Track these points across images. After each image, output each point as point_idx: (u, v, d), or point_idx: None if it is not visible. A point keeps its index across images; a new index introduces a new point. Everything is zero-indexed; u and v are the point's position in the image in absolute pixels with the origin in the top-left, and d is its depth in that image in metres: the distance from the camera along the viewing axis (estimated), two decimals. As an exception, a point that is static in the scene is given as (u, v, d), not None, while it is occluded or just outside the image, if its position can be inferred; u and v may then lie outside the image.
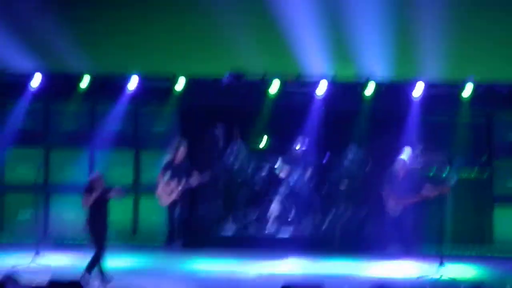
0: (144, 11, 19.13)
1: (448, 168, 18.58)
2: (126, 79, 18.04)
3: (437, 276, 16.01)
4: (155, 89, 18.37)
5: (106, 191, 13.61)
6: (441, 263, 16.37)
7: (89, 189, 13.59)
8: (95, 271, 13.60)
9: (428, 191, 17.33)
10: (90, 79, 18.18)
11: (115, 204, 14.15)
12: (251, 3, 19.20)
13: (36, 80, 18.01)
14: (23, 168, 18.64)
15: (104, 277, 13.44)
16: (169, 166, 16.97)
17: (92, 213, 13.50)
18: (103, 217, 13.63)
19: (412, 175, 17.89)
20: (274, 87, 18.42)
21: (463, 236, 18.74)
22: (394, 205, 17.63)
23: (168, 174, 16.91)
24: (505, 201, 19.07)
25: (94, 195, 13.50)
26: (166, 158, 17.23)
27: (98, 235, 13.56)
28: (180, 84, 18.12)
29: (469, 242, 18.77)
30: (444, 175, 18.58)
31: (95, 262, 13.54)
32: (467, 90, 18.19)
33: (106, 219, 13.66)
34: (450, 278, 15.56)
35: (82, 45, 18.67)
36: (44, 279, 12.04)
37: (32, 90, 18.19)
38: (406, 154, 17.82)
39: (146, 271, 15.79)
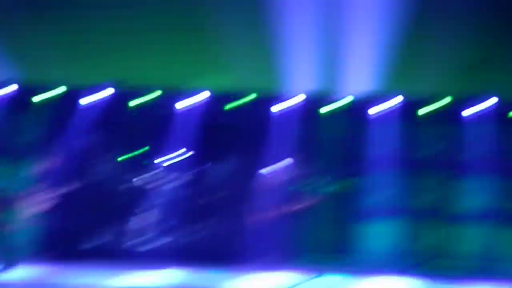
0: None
1: (317, 179, 18.78)
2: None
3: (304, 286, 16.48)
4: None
5: None
6: (312, 274, 16.85)
7: None
8: None
9: (297, 204, 17.82)
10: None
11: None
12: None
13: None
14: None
15: None
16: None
17: None
18: None
19: (281, 186, 18.11)
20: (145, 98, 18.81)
21: (332, 249, 19.00)
22: (267, 215, 17.89)
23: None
24: (374, 214, 19.39)
25: None
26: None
27: None
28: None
29: (336, 255, 19.03)
30: (312, 186, 18.82)
31: None
32: (330, 106, 18.79)
33: None
34: None
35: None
36: None
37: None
38: (274, 167, 18.17)
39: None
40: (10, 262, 16.24)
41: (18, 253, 16.58)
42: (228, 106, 19.15)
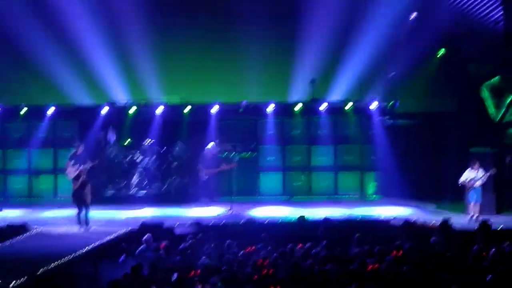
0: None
1: (233, 152, 24.80)
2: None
3: (226, 212, 22.73)
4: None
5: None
6: (230, 208, 22.93)
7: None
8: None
9: (223, 166, 24.11)
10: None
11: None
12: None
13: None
14: None
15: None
16: (73, 156, 21.83)
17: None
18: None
19: (214, 157, 24.34)
20: (133, 109, 25.56)
21: (244, 191, 25.32)
22: (204, 174, 24.16)
23: (73, 161, 21.62)
24: (266, 170, 26.18)
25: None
26: (72, 151, 22.16)
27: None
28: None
29: (246, 194, 25.36)
30: (231, 156, 24.69)
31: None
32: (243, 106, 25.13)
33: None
34: (234, 214, 22.23)
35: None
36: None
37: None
38: (210, 145, 24.37)
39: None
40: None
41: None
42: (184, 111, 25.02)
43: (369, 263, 14.80)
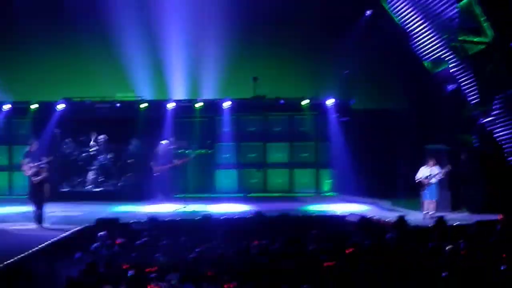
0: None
1: (189, 148, 25.42)
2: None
3: (182, 209, 22.67)
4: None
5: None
6: (185, 203, 23.38)
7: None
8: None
9: (177, 161, 24.17)
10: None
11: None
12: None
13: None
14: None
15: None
16: (28, 153, 22.11)
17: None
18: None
19: (168, 153, 24.33)
20: (89, 106, 25.66)
21: (200, 188, 25.77)
22: (158, 170, 23.97)
23: (28, 158, 21.80)
24: (221, 167, 26.45)
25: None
26: (27, 149, 22.40)
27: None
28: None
29: (202, 191, 25.78)
30: (186, 152, 25.17)
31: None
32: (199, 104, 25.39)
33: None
34: (190, 211, 22.17)
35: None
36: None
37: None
38: (165, 141, 24.40)
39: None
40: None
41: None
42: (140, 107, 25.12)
43: (324, 260, 14.76)
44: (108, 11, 25.21)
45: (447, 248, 15.21)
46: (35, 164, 21.29)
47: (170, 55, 25.78)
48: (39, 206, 20.58)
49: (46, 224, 20.32)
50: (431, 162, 21.71)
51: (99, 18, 25.20)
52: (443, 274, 13.56)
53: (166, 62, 25.85)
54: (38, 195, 20.61)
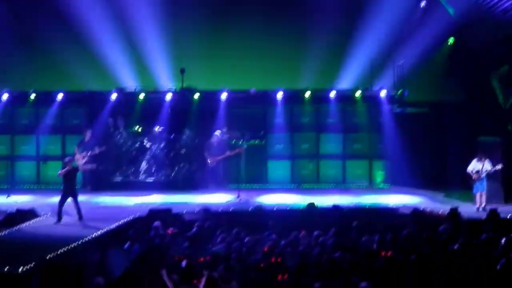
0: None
1: (242, 139, 24.93)
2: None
3: (236, 200, 22.37)
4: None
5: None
6: (238, 195, 22.93)
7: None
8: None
9: (229, 152, 24.29)
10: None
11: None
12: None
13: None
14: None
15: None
16: (82, 143, 23.20)
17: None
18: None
19: (221, 144, 24.54)
20: (142, 96, 25.48)
21: (252, 178, 25.58)
22: (211, 161, 24.39)
23: (81, 148, 22.95)
24: (274, 158, 26.13)
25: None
26: (81, 138, 23.47)
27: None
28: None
29: (254, 182, 25.55)
30: (239, 143, 24.85)
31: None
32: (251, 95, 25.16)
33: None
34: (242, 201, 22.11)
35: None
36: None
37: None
38: (217, 132, 24.60)
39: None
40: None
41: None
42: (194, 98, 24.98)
43: (379, 250, 14.74)
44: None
45: (502, 240, 14.95)
46: (88, 153, 21.89)
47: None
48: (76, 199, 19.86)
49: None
50: (482, 157, 21.45)
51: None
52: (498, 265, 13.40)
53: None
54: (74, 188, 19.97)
